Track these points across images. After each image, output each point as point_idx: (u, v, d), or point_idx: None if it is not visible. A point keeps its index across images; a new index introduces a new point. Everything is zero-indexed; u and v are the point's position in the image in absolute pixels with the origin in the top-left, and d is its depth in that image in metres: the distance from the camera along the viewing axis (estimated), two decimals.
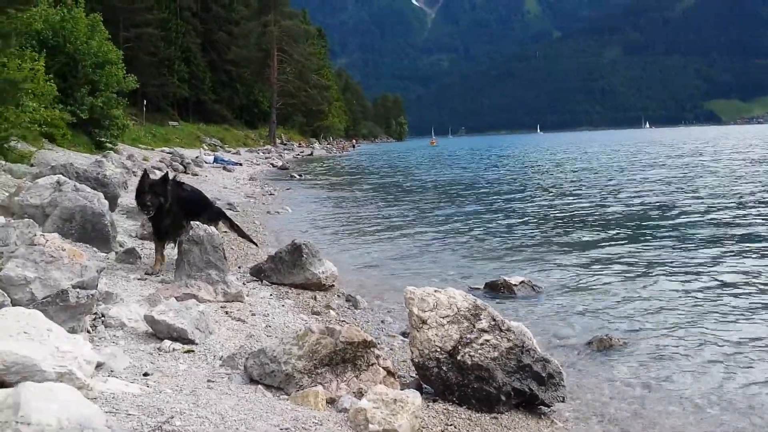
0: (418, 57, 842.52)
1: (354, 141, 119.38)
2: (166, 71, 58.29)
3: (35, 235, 5.17)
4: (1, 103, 12.81)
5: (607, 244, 11.06)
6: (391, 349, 5.41)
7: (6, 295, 4.13)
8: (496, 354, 4.19)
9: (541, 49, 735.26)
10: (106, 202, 7.95)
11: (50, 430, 1.31)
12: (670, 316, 6.67)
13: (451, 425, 3.77)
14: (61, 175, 7.99)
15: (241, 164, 36.94)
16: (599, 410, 4.45)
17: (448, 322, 4.24)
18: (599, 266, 9.25)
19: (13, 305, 4.02)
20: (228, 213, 14.39)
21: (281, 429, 3.34)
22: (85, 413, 1.40)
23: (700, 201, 16.69)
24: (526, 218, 15.00)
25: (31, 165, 14.02)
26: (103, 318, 4.91)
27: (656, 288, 7.86)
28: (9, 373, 3.24)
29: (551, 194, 20.55)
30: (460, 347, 4.17)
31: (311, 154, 68.85)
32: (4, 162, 12.78)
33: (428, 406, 3.98)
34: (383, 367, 4.12)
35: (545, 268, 9.25)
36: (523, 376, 4.20)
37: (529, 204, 18.11)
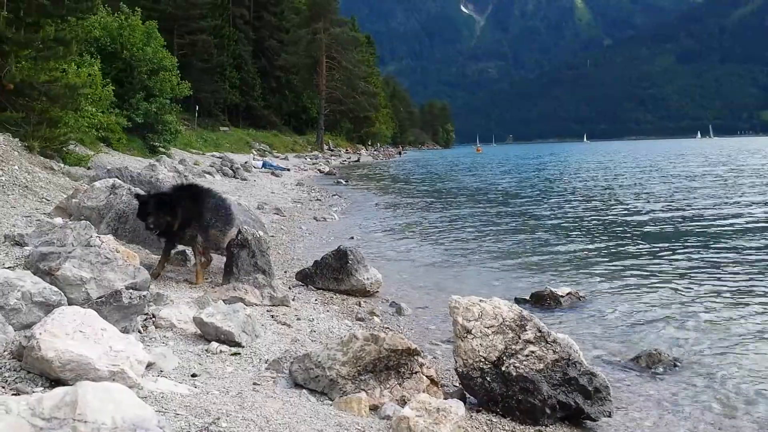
0: (467, 64, 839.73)
1: (400, 148, 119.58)
2: (218, 77, 59.41)
3: (91, 237, 5.35)
4: (62, 107, 13.27)
5: (658, 256, 10.83)
6: (434, 358, 5.41)
7: (63, 294, 4.28)
8: (541, 366, 4.16)
9: (591, 57, 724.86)
10: None
11: (105, 429, 1.37)
12: (723, 333, 6.49)
13: None
14: (116, 179, 8.23)
15: (288, 170, 37.40)
16: (647, 428, 4.36)
17: (493, 332, 4.23)
18: (650, 279, 9.06)
19: (69, 304, 4.16)
20: (275, 218, 14.62)
21: None
22: (138, 413, 1.45)
23: (757, 214, 16.22)
24: (574, 227, 14.81)
25: (88, 168, 14.45)
26: (153, 319, 5.04)
27: (709, 303, 7.65)
28: (65, 370, 3.36)
29: (601, 203, 20.24)
30: (504, 358, 4.15)
31: (358, 160, 69.20)
32: (62, 165, 13.21)
33: (471, 416, 3.97)
34: (427, 376, 4.13)
35: (593, 280, 9.11)
36: (568, 389, 4.15)
37: (577, 213, 17.87)
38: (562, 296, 7.64)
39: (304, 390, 4.08)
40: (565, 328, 6.54)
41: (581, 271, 9.81)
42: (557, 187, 28.87)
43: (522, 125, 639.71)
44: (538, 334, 4.29)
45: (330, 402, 3.98)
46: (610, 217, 16.82)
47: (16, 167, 10.88)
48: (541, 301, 7.65)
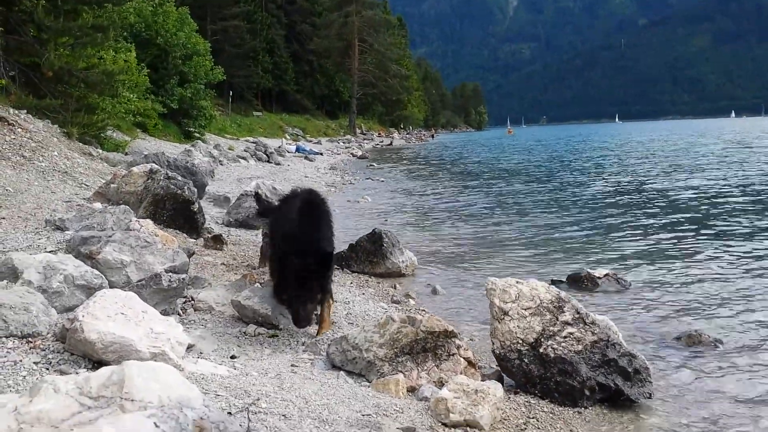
0: (499, 46, 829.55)
1: (433, 130, 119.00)
2: (250, 62, 59.68)
3: (131, 221, 5.43)
4: (99, 93, 13.47)
5: (695, 236, 10.62)
6: (470, 340, 5.39)
7: (104, 277, 4.35)
8: (580, 347, 4.11)
9: (626, 38, 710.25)
10: (195, 190, 8.25)
11: (152, 408, 1.38)
12: (763, 314, 6.36)
13: (533, 418, 3.73)
14: (153, 164, 8.33)
15: (321, 154, 37.51)
16: (687, 408, 4.29)
17: (530, 314, 4.19)
18: (688, 259, 8.90)
19: (110, 287, 4.23)
20: None
21: (363, 415, 3.39)
22: (184, 393, 1.46)
23: None
24: (609, 208, 14.60)
25: (126, 153, 14.67)
26: (192, 302, 5.10)
27: (749, 284, 7.50)
28: (107, 352, 3.42)
29: (637, 183, 19.91)
30: (542, 340, 4.11)
31: (390, 143, 69.07)
32: (100, 150, 13.42)
33: (509, 398, 3.95)
34: (464, 358, 4.12)
35: (630, 261, 8.98)
36: (608, 371, 4.10)
37: (611, 193, 17.62)
38: (599, 277, 7.54)
39: (341, 372, 4.10)
40: (603, 309, 6.45)
41: (618, 251, 9.68)
42: (590, 167, 28.48)
43: (556, 107, 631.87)
44: (577, 316, 4.24)
45: (367, 384, 4.00)
46: (646, 196, 16.56)
47: (56, 153, 11.08)
48: (578, 282, 7.56)
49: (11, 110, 11.87)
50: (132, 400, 1.37)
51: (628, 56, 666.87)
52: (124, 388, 1.39)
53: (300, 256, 4.34)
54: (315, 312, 4.64)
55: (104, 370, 1.48)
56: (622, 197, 16.74)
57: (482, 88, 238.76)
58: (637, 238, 10.76)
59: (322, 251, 4.54)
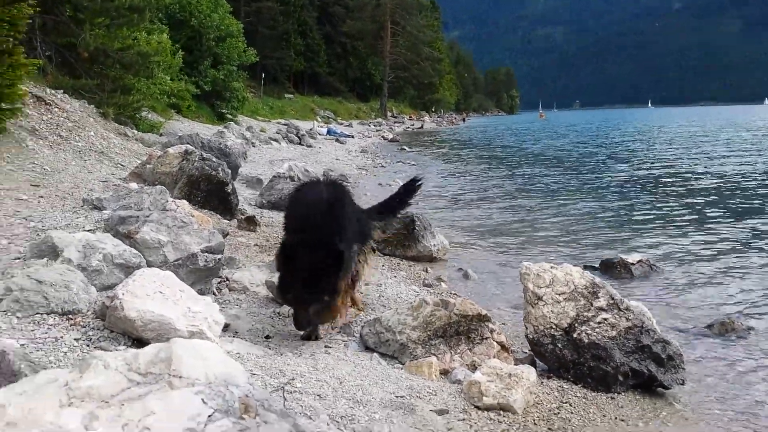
0: (532, 29, 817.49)
1: (464, 114, 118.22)
2: (283, 44, 59.75)
3: (167, 201, 5.49)
4: (135, 74, 13.60)
5: (730, 223, 10.45)
6: (503, 324, 5.36)
7: (142, 256, 4.41)
8: (614, 333, 4.08)
9: (660, 22, 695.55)
10: (229, 171, 8.31)
11: (199, 385, 1.40)
12: None
13: (566, 403, 3.72)
14: (188, 145, 8.41)
15: (353, 136, 37.51)
16: (720, 395, 4.25)
17: (564, 299, 4.16)
18: (722, 246, 8.77)
19: (148, 266, 4.29)
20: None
21: (397, 396, 3.41)
22: (228, 370, 1.48)
23: None
24: (642, 193, 14.42)
25: (160, 134, 14.82)
26: (227, 282, 5.16)
27: None
28: (146, 330, 3.47)
29: (668, 170, 19.60)
30: (576, 325, 4.08)
31: (422, 127, 68.81)
32: (135, 131, 13.58)
33: (542, 382, 3.94)
34: (497, 342, 4.11)
35: (663, 247, 8.88)
36: (641, 357, 4.07)
37: (644, 178, 17.39)
38: (632, 264, 7.46)
39: (374, 353, 4.12)
40: (637, 295, 6.39)
41: (651, 237, 9.58)
42: (622, 152, 28.09)
43: (588, 91, 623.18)
44: (611, 302, 4.21)
45: (400, 366, 4.02)
46: (679, 182, 16.33)
47: (92, 133, 11.24)
48: (612, 268, 7.50)
49: (48, 90, 12.06)
50: (180, 377, 1.39)
51: (661, 41, 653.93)
52: (171, 365, 1.41)
53: (307, 250, 3.86)
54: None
55: (152, 347, 1.51)
56: (655, 183, 16.52)
57: (515, 72, 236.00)
58: (670, 224, 10.63)
59: (334, 246, 3.92)
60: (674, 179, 17.13)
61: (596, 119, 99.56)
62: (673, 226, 10.44)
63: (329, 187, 4.53)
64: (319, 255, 3.85)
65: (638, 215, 11.59)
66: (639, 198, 13.89)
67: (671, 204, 12.82)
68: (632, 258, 7.63)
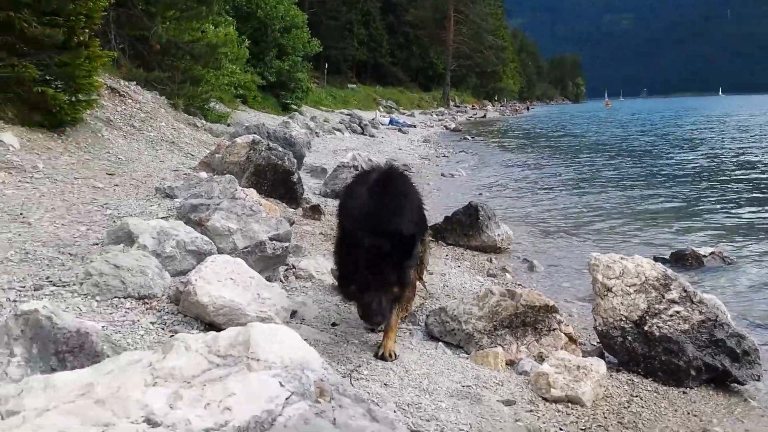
0: (599, 16, 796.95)
1: (528, 103, 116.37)
2: (346, 34, 59.99)
3: (236, 190, 5.61)
4: (204, 66, 13.91)
5: None
6: (570, 316, 5.29)
7: (213, 243, 4.52)
8: (686, 327, 3.98)
9: (732, 8, 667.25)
10: (295, 161, 8.43)
11: (276, 368, 1.43)
12: None
13: (636, 396, 3.64)
14: (255, 135, 8.55)
15: (415, 126, 37.44)
16: None
17: (634, 291, 4.07)
18: None
19: (218, 253, 4.39)
20: None
21: (463, 386, 3.41)
22: (304, 355, 1.51)
23: None
24: (714, 184, 13.93)
25: (228, 125, 15.12)
26: (294, 269, 5.24)
27: None
28: (218, 315, 3.57)
29: (743, 161, 18.86)
30: (647, 317, 3.99)
31: (484, 116, 68.07)
32: (204, 122, 13.90)
33: (611, 375, 3.87)
34: (565, 333, 4.06)
35: (736, 239, 8.58)
36: (715, 351, 3.96)
37: (717, 169, 16.80)
38: (704, 256, 7.24)
39: (440, 343, 4.12)
40: (709, 288, 6.19)
41: (724, 230, 9.27)
42: (690, 141, 27.17)
43: (657, 79, 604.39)
44: (684, 294, 4.09)
45: (466, 355, 4.00)
46: (753, 173, 15.70)
47: (163, 124, 11.56)
48: (682, 260, 7.29)
49: (122, 81, 12.46)
50: (257, 360, 1.43)
51: (734, 27, 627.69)
52: (250, 348, 1.45)
53: (372, 236, 3.47)
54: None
55: (231, 330, 1.55)
56: (725, 173, 15.97)
57: (581, 60, 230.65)
58: (742, 215, 10.28)
59: (401, 232, 3.56)
60: (745, 170, 16.50)
61: (663, 108, 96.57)
62: (746, 217, 10.08)
63: (392, 173, 4.29)
64: (386, 242, 3.45)
65: (708, 206, 11.22)
66: (709, 188, 13.44)
67: (743, 195, 12.36)
68: (704, 250, 7.41)
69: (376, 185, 3.97)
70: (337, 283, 3.84)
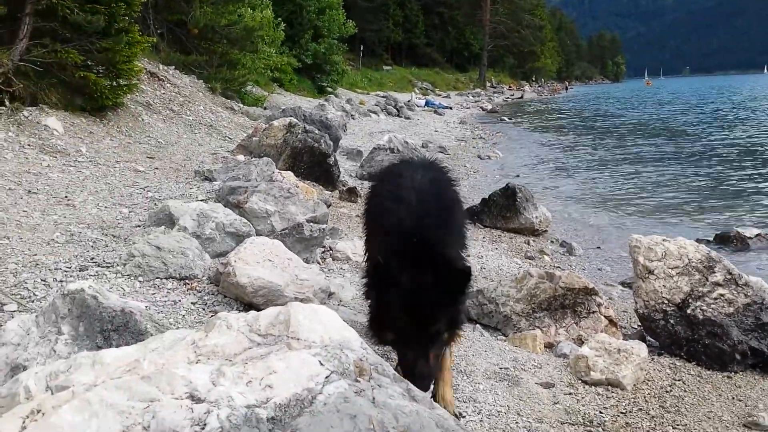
0: None
1: (566, 83, 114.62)
2: (381, 16, 59.66)
3: (273, 173, 5.65)
4: (240, 49, 13.99)
5: None
6: (610, 299, 5.23)
7: (251, 225, 4.57)
8: (731, 310, 3.89)
9: None
10: (331, 143, 8.45)
11: (315, 347, 1.44)
12: None
13: (678, 380, 3.59)
14: (292, 118, 8.59)
15: (451, 108, 37.17)
16: None
17: (677, 273, 4.00)
18: None
19: (256, 235, 4.44)
20: (439, 156, 14.66)
21: (500, 368, 3.40)
22: (344, 334, 1.52)
23: None
24: (758, 164, 13.57)
25: (264, 108, 15.21)
26: (331, 251, 5.27)
27: None
28: (257, 296, 3.61)
29: None
30: (690, 300, 3.92)
31: (521, 97, 67.23)
32: (241, 105, 14.01)
33: (653, 359, 3.82)
34: (605, 316, 4.01)
35: None
36: (761, 335, 3.87)
37: (761, 149, 16.35)
38: (750, 237, 7.10)
39: (477, 325, 4.12)
40: (755, 271, 6.06)
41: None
42: (733, 121, 26.49)
43: (700, 57, 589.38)
44: (728, 277, 4.00)
45: (504, 338, 3.99)
46: None
47: (201, 107, 11.68)
48: (727, 242, 7.15)
49: (161, 66, 12.60)
50: (297, 339, 1.44)
51: None
52: (290, 327, 1.47)
53: (417, 270, 2.55)
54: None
55: (271, 310, 1.57)
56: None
57: (620, 38, 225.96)
58: None
59: (456, 263, 2.73)
60: None
61: (705, 86, 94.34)
62: None
63: (437, 173, 3.29)
64: (438, 277, 2.55)
65: (751, 187, 10.95)
66: (756, 170, 13.09)
67: None
68: (749, 231, 7.26)
69: (419, 190, 2.95)
70: (368, 324, 2.88)
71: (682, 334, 3.89)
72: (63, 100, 7.97)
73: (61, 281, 3.52)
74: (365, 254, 3.30)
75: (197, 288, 3.74)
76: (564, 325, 3.98)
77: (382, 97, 33.88)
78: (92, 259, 3.94)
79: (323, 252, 5.24)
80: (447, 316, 2.62)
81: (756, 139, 18.95)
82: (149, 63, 12.07)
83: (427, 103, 35.88)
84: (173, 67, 12.99)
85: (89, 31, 7.91)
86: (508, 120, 31.14)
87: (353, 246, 5.34)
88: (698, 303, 3.90)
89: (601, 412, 3.11)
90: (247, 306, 3.57)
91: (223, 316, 1.53)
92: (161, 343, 1.47)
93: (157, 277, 3.75)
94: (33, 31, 7.57)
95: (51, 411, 1.23)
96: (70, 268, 3.75)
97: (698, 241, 7.19)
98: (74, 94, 8.14)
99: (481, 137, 21.58)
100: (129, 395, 1.25)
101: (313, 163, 8.03)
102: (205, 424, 1.22)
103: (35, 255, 3.90)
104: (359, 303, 4.28)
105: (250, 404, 1.27)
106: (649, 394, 3.39)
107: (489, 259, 6.10)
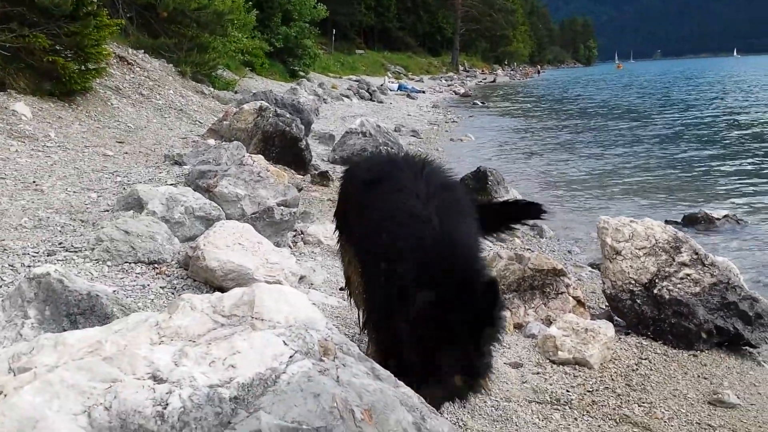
0: None
1: (538, 67, 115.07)
2: None
3: (244, 156, 5.61)
4: (210, 33, 13.82)
5: None
6: (579, 280, 5.30)
7: (221, 209, 4.55)
8: (697, 289, 3.97)
9: None
10: (303, 128, 8.40)
11: (280, 327, 1.45)
12: None
13: (645, 359, 3.66)
14: (263, 102, 8.52)
15: (424, 92, 37.15)
16: None
17: (644, 254, 4.06)
18: None
19: (226, 219, 4.42)
20: (412, 140, 14.67)
21: None
22: (309, 315, 1.53)
23: None
24: (727, 147, 13.81)
25: (235, 92, 15.06)
26: (302, 235, 5.26)
27: None
28: (226, 279, 3.60)
29: (747, 122, 18.65)
30: (657, 280, 3.99)
31: (494, 81, 67.35)
32: (212, 89, 13.85)
33: (620, 338, 3.88)
34: (573, 297, 4.07)
35: (750, 202, 8.54)
36: (727, 314, 3.95)
37: (726, 130, 16.64)
38: (718, 219, 7.23)
39: None
40: (722, 251, 6.18)
41: (737, 193, 9.21)
42: (701, 105, 26.87)
43: (672, 41, 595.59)
44: (695, 257, 4.08)
45: None
46: (760, 135, 15.54)
47: (171, 91, 11.54)
48: (695, 223, 7.28)
49: (130, 50, 12.41)
50: (262, 319, 1.45)
51: None
52: (254, 308, 1.47)
53: (438, 291, 2.01)
54: None
55: (236, 291, 1.57)
56: (747, 137, 15.77)
57: (594, 22, 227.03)
58: (754, 176, 10.19)
59: (481, 277, 2.19)
60: (754, 131, 16.32)
61: (675, 69, 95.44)
62: (758, 178, 10.00)
63: (440, 174, 2.71)
64: (458, 300, 2.01)
65: (723, 170, 11.14)
66: (724, 152, 13.32)
67: (754, 156, 12.26)
68: (717, 213, 7.39)
69: (430, 196, 2.41)
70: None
71: (648, 314, 3.96)
72: (31, 85, 7.85)
73: (28, 266, 3.48)
74: (362, 277, 2.67)
75: (166, 272, 3.72)
76: (533, 306, 4.03)
77: (355, 81, 33.71)
78: (60, 244, 3.90)
79: (294, 236, 5.23)
80: (471, 352, 2.08)
81: (719, 121, 19.25)
82: (118, 47, 11.88)
83: (400, 87, 35.80)
84: (142, 51, 12.81)
85: (57, 15, 7.78)
86: (480, 104, 31.20)
87: (325, 230, 5.34)
88: (665, 283, 3.97)
89: (568, 391, 3.17)
90: (217, 290, 3.55)
91: (186, 298, 1.53)
92: (125, 325, 1.47)
93: (126, 262, 3.72)
94: (0, 16, 7.41)
95: (12, 392, 1.23)
96: (38, 253, 3.71)
97: (667, 222, 7.29)
98: (42, 79, 8.02)
99: (453, 121, 21.62)
100: (90, 376, 1.25)
101: (284, 147, 7.98)
102: (167, 404, 1.22)
103: (2, 240, 3.85)
104: (331, 286, 4.29)
105: (212, 384, 1.27)
106: (615, 372, 3.46)
107: None
